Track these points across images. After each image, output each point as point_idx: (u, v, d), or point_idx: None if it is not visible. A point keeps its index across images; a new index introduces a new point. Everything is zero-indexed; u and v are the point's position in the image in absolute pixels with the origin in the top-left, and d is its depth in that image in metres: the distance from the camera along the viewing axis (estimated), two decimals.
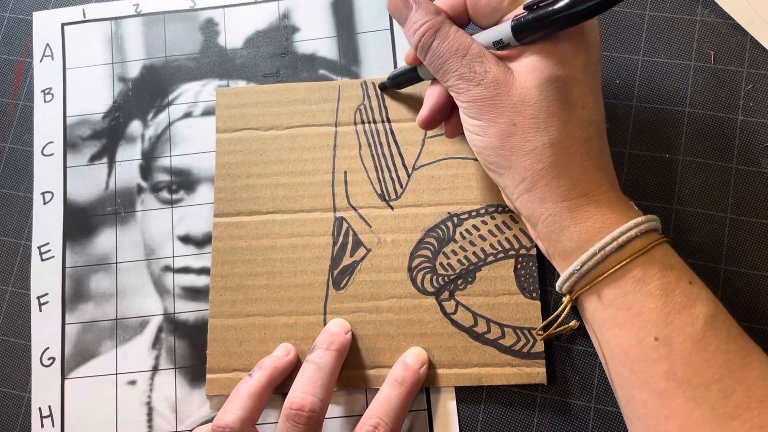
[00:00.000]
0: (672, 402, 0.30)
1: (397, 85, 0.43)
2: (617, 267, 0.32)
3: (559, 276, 0.41)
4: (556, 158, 0.32)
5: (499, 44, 0.33)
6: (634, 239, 0.32)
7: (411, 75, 0.40)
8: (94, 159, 0.46)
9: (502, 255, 0.41)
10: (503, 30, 0.32)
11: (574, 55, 0.32)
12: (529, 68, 0.32)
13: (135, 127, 0.46)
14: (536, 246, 0.41)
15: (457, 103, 0.34)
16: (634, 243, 0.32)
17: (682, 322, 0.30)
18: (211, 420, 0.40)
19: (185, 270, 0.43)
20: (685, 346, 0.30)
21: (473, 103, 0.33)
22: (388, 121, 0.44)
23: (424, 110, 0.38)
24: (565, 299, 0.35)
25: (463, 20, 0.35)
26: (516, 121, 0.32)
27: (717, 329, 0.30)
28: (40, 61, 0.48)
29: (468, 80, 0.33)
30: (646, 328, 0.31)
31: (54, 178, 0.46)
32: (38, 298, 0.44)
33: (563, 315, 0.36)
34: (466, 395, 0.40)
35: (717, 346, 0.30)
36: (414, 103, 0.44)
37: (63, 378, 0.42)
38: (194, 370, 0.42)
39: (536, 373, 0.39)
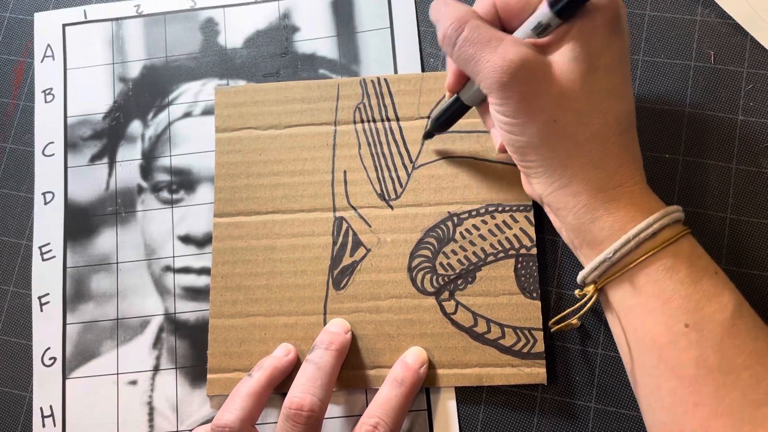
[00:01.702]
0: (702, 389, 0.30)
1: (441, 125, 0.40)
2: (650, 254, 0.32)
3: (564, 273, 0.41)
4: (596, 152, 0.32)
5: (538, 28, 0.31)
6: (666, 228, 0.32)
7: (454, 106, 0.38)
8: (94, 159, 0.46)
9: (502, 255, 0.41)
10: (540, 11, 0.31)
11: (611, 42, 0.32)
12: (570, 58, 0.31)
13: (135, 127, 0.46)
14: (536, 245, 0.41)
15: (490, 102, 0.33)
16: (665, 232, 0.32)
17: (712, 309, 0.31)
18: (211, 420, 0.40)
19: (186, 270, 0.44)
20: (716, 332, 0.30)
21: (509, 100, 0.32)
22: (388, 119, 0.44)
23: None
24: (590, 289, 0.34)
25: (495, 26, 0.34)
26: (557, 117, 0.32)
27: (744, 317, 0.31)
28: (41, 62, 0.48)
29: (503, 71, 0.31)
30: (676, 314, 0.31)
31: (55, 179, 0.46)
32: (39, 298, 0.44)
33: (589, 305, 0.35)
34: (466, 395, 0.40)
35: (747, 333, 0.30)
36: (414, 101, 0.44)
37: (64, 378, 0.43)
38: (195, 370, 0.42)
39: (536, 373, 0.39)
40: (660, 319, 0.31)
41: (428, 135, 0.42)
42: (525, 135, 0.33)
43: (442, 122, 0.40)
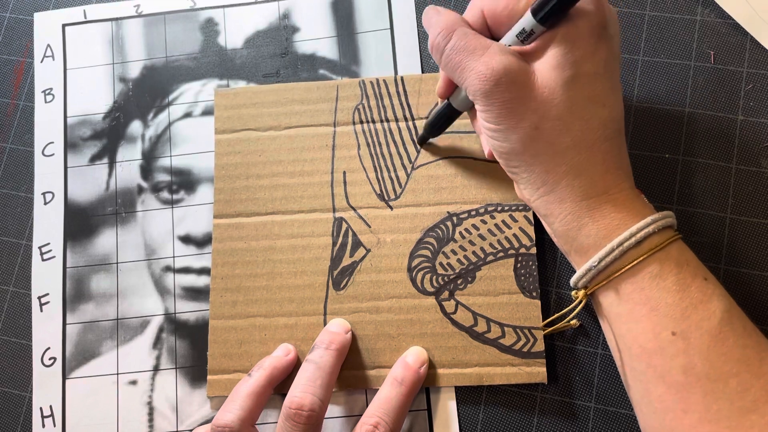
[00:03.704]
0: (690, 396, 0.30)
1: (434, 131, 0.41)
2: (635, 263, 0.32)
3: (564, 272, 0.41)
4: (578, 159, 0.32)
5: (522, 35, 0.32)
6: (652, 236, 0.32)
7: (445, 112, 0.39)
8: (94, 159, 0.46)
9: (501, 254, 0.41)
10: (525, 18, 0.32)
11: (596, 49, 0.32)
12: (552, 65, 0.31)
13: (135, 127, 0.46)
14: (536, 245, 0.41)
15: (477, 107, 0.34)
16: (651, 239, 0.32)
17: (699, 317, 0.31)
18: (211, 420, 0.40)
19: (186, 270, 0.44)
20: (703, 340, 0.30)
21: (492, 107, 0.32)
22: (387, 120, 0.44)
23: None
24: (580, 294, 0.35)
25: (484, 35, 0.34)
26: (539, 125, 0.32)
27: (733, 324, 0.31)
28: (41, 62, 0.48)
29: (486, 79, 0.32)
30: (663, 322, 0.31)
31: (55, 179, 0.46)
32: (39, 298, 0.44)
33: (576, 310, 0.36)
34: (466, 395, 0.40)
35: (734, 341, 0.30)
36: (413, 102, 0.44)
37: (64, 378, 0.43)
38: (195, 370, 0.42)
39: (536, 372, 0.39)
40: (647, 327, 0.32)
41: (422, 140, 0.43)
42: (508, 141, 0.33)
43: (435, 128, 0.41)
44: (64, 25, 0.48)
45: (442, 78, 0.38)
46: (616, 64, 0.33)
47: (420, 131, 0.43)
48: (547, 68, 0.32)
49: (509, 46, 0.33)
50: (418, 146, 0.43)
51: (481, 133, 0.38)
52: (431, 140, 0.43)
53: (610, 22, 0.33)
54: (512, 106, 0.32)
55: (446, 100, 0.38)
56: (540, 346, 0.39)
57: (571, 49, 0.31)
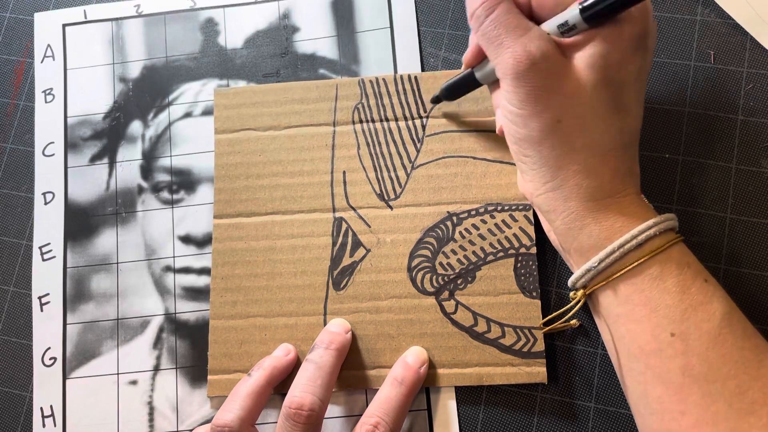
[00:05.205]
0: (688, 397, 0.30)
1: (451, 95, 0.41)
2: (635, 264, 0.32)
3: (564, 272, 0.41)
4: (592, 161, 0.32)
5: (564, 27, 0.32)
6: (653, 238, 0.32)
7: (467, 80, 0.39)
8: (94, 159, 0.46)
9: (501, 254, 0.41)
10: (570, 11, 0.31)
11: (632, 59, 0.32)
12: (587, 64, 0.31)
13: (135, 127, 0.46)
14: (536, 245, 0.41)
15: (502, 87, 0.33)
16: (652, 242, 0.32)
17: (698, 318, 0.31)
18: (211, 420, 0.40)
19: (186, 270, 0.44)
20: (702, 342, 0.30)
21: (519, 90, 0.32)
22: (387, 120, 0.44)
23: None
24: (579, 294, 0.35)
25: (526, 15, 0.34)
26: (561, 118, 0.32)
27: (733, 326, 0.31)
28: (41, 62, 0.48)
29: (520, 60, 0.31)
30: (662, 324, 0.31)
31: (55, 179, 0.46)
32: (39, 298, 0.44)
33: (575, 310, 0.36)
34: (466, 395, 0.40)
35: (733, 342, 0.30)
36: (412, 101, 0.44)
37: (64, 378, 0.43)
38: (195, 370, 0.42)
39: (537, 372, 0.39)
40: (646, 328, 0.32)
41: (435, 100, 0.42)
42: (527, 128, 0.33)
43: (452, 92, 0.41)
44: (64, 25, 0.48)
45: (472, 47, 0.37)
46: (645, 77, 0.34)
47: (419, 131, 0.43)
48: (581, 66, 0.32)
49: (549, 31, 0.32)
50: (430, 104, 0.43)
51: (497, 107, 0.37)
52: (444, 103, 0.43)
53: (651, 34, 0.33)
54: (539, 94, 0.32)
55: (470, 69, 0.38)
56: (540, 346, 0.39)
57: (609, 52, 0.31)
